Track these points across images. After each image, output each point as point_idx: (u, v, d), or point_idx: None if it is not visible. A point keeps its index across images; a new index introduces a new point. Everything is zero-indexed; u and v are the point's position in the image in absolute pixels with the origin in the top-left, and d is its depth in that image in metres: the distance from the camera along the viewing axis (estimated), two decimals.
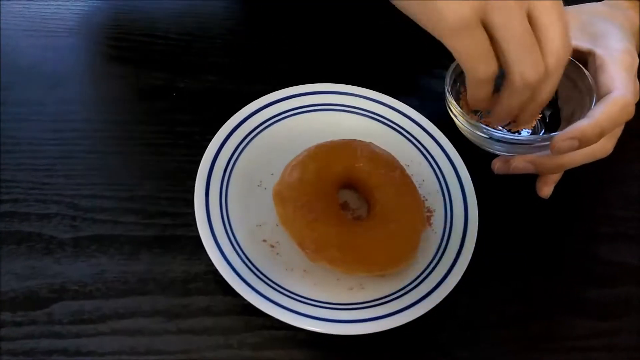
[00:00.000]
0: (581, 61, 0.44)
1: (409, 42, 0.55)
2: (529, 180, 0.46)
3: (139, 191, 0.43)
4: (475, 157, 0.46)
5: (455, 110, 0.44)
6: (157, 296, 0.38)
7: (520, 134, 0.47)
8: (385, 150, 0.43)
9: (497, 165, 0.44)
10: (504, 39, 0.34)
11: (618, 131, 0.43)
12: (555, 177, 0.45)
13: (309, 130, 0.45)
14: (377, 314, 0.37)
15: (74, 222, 0.41)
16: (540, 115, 0.48)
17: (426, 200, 0.44)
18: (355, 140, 0.43)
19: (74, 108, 0.47)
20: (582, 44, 0.44)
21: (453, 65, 0.46)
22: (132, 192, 0.43)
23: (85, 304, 0.37)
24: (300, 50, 0.54)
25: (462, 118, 0.44)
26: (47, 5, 0.54)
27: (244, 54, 0.53)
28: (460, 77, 0.48)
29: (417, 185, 0.43)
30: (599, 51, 0.43)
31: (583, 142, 0.39)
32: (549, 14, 0.35)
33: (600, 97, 0.41)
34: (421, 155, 0.46)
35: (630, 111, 0.40)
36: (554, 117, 0.47)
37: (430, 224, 0.43)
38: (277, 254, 0.40)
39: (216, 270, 0.37)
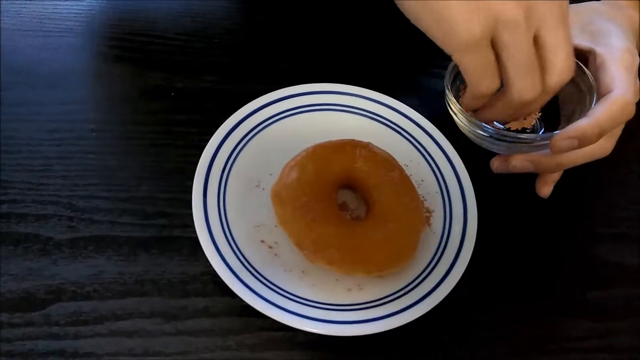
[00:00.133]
0: (581, 60, 0.44)
1: (408, 42, 0.55)
2: (529, 180, 0.46)
3: (137, 192, 0.43)
4: (474, 157, 0.45)
5: (454, 108, 0.44)
6: (155, 297, 0.38)
7: (519, 132, 0.47)
8: (384, 150, 0.43)
9: (495, 164, 0.44)
10: (508, 58, 0.35)
11: (618, 131, 0.43)
12: (555, 177, 0.45)
13: (308, 130, 0.45)
14: (376, 314, 0.37)
15: (71, 223, 0.41)
16: (540, 114, 0.48)
17: (425, 200, 0.44)
18: (354, 140, 0.43)
19: (72, 108, 0.47)
20: (583, 42, 0.44)
21: (453, 63, 0.46)
22: (129, 193, 0.43)
23: (83, 305, 0.37)
24: (299, 50, 0.54)
25: (461, 116, 0.44)
26: (45, 5, 0.54)
27: (242, 54, 0.53)
28: (460, 74, 0.48)
29: (416, 186, 0.42)
30: (599, 50, 0.42)
31: (582, 141, 0.38)
32: (555, 36, 0.35)
33: (600, 96, 0.41)
34: (420, 155, 0.46)
35: (630, 111, 0.40)
36: (554, 115, 0.47)
37: (429, 224, 0.43)
38: (276, 254, 0.40)
39: (214, 271, 0.37)
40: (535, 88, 0.37)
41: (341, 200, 0.43)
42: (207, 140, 0.43)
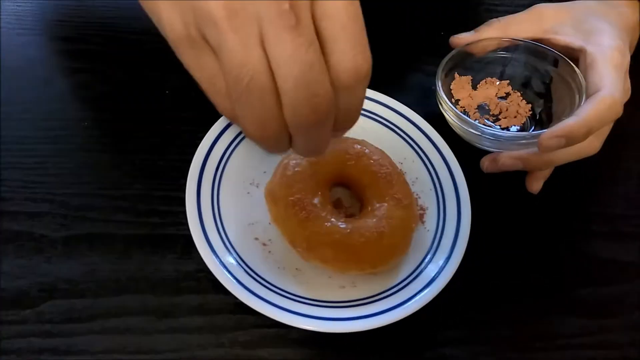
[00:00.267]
0: (573, 58, 0.45)
1: (402, 40, 0.55)
2: (522, 178, 0.46)
3: (131, 189, 0.43)
4: (468, 155, 0.46)
5: (445, 106, 0.44)
6: (148, 295, 0.38)
7: (509, 130, 0.47)
8: (378, 148, 0.43)
9: (486, 164, 0.44)
10: (223, 60, 0.25)
11: (606, 129, 0.43)
12: (545, 173, 0.45)
13: None
14: (369, 312, 0.37)
15: (65, 221, 0.40)
16: (531, 112, 0.48)
17: (419, 198, 0.44)
18: (347, 138, 0.43)
19: (65, 106, 0.47)
20: (574, 41, 0.44)
21: (444, 61, 0.46)
22: (123, 191, 0.43)
23: (76, 303, 0.37)
24: None
25: (452, 114, 0.44)
26: (38, 3, 0.54)
27: None
28: (451, 72, 0.48)
29: (410, 183, 0.42)
30: (590, 48, 0.43)
31: (570, 140, 0.39)
32: (334, 22, 0.25)
33: (589, 95, 0.41)
34: (414, 153, 0.46)
35: (618, 110, 0.40)
36: (546, 114, 0.47)
37: (422, 222, 0.43)
38: (269, 252, 0.40)
39: (208, 269, 0.37)
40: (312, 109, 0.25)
41: (336, 198, 0.43)
42: (201, 138, 0.43)
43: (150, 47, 0.51)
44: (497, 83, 0.50)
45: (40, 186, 0.42)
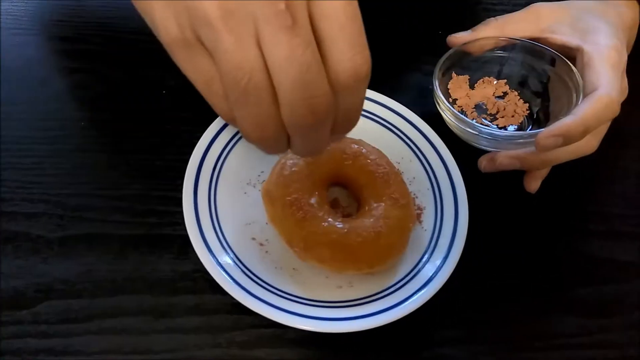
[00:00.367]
0: (570, 57, 0.44)
1: (400, 39, 0.55)
2: (520, 177, 0.46)
3: (128, 190, 0.43)
4: (466, 154, 0.45)
5: (443, 105, 0.44)
6: (145, 295, 0.38)
7: (507, 129, 0.47)
8: (375, 148, 0.43)
9: (483, 164, 0.44)
10: (220, 62, 0.25)
11: (603, 128, 0.43)
12: (543, 173, 0.45)
13: None
14: (366, 311, 0.37)
15: (62, 221, 0.40)
16: (528, 112, 0.48)
17: (416, 197, 0.44)
18: (345, 137, 0.42)
19: (62, 106, 0.47)
20: (571, 40, 0.44)
21: (442, 60, 0.46)
22: (120, 191, 0.42)
23: (73, 303, 0.37)
24: None
25: (449, 113, 0.44)
26: (35, 3, 0.54)
27: None
28: (448, 71, 0.48)
29: (407, 183, 0.42)
30: (587, 47, 0.43)
31: (567, 139, 0.39)
32: (332, 22, 0.24)
33: (586, 94, 0.41)
34: (412, 153, 0.46)
35: (615, 109, 0.40)
36: (543, 113, 0.47)
37: (420, 222, 0.43)
38: (266, 252, 0.40)
39: (204, 269, 0.37)
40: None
41: (333, 197, 0.43)
42: (199, 138, 0.43)
43: (148, 47, 0.51)
44: (495, 82, 0.50)
45: (37, 186, 0.42)
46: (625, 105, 0.43)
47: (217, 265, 0.37)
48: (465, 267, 0.40)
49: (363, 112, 0.47)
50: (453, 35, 0.48)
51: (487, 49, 0.49)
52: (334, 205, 0.42)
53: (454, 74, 0.49)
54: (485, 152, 0.45)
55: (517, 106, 0.48)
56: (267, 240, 0.40)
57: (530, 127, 0.47)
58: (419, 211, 0.43)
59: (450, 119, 0.45)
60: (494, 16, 0.49)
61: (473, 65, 0.49)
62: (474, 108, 0.49)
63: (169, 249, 0.40)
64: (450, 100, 0.48)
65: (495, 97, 0.49)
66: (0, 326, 0.36)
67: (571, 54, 0.45)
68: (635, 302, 0.43)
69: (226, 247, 0.39)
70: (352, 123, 0.29)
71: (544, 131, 0.39)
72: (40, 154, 0.44)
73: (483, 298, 0.41)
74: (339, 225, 0.38)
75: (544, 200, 0.46)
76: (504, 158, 0.43)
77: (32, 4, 0.54)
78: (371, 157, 0.42)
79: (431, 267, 0.40)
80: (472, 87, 0.50)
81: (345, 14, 0.24)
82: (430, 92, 0.46)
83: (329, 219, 0.38)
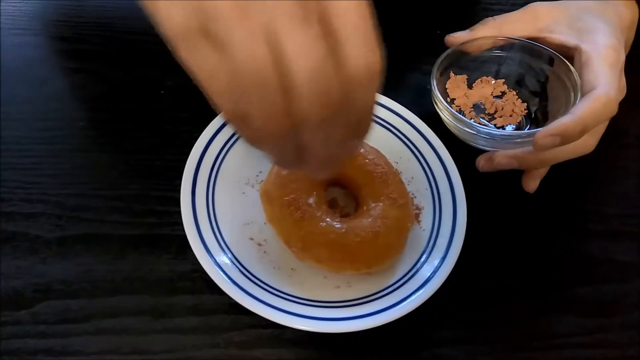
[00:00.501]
0: (568, 57, 0.44)
1: (398, 39, 0.55)
2: (518, 177, 0.46)
3: (126, 190, 0.43)
4: (464, 154, 0.45)
5: (440, 105, 0.44)
6: (143, 295, 0.38)
7: (505, 129, 0.47)
8: (373, 148, 0.43)
9: (481, 163, 0.44)
10: (228, 52, 0.24)
11: (601, 128, 0.43)
12: (541, 172, 0.45)
13: None
14: (364, 312, 0.37)
15: (60, 222, 0.41)
16: (526, 111, 0.48)
17: (415, 197, 0.44)
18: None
19: (61, 106, 0.47)
20: (569, 39, 0.44)
21: (439, 60, 0.46)
22: (118, 191, 0.43)
23: (71, 304, 0.37)
24: None
25: (447, 113, 0.44)
26: (34, 3, 0.54)
27: None
28: (446, 71, 0.48)
29: (406, 183, 0.42)
30: (584, 47, 0.43)
31: (565, 138, 0.39)
32: (346, 21, 0.25)
33: (584, 94, 0.41)
34: (410, 153, 0.46)
35: (613, 108, 0.40)
36: (541, 112, 0.47)
37: (418, 221, 0.43)
38: (265, 252, 0.40)
39: (203, 269, 0.37)
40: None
41: (331, 197, 0.43)
42: (197, 138, 0.43)
43: (147, 48, 0.51)
44: (493, 82, 0.50)
45: (36, 187, 0.42)
46: (624, 104, 0.43)
47: (215, 265, 0.37)
48: (463, 267, 0.40)
49: None
50: (451, 34, 0.48)
51: (485, 49, 0.49)
52: (332, 205, 0.42)
53: (452, 74, 0.49)
54: (483, 151, 0.45)
55: (515, 106, 0.48)
56: (265, 240, 0.40)
57: (528, 126, 0.47)
58: (417, 211, 0.43)
59: (448, 118, 0.45)
60: (492, 16, 0.49)
61: (471, 65, 0.49)
62: (472, 108, 0.49)
63: (167, 249, 0.40)
64: (449, 100, 0.48)
65: (494, 96, 0.49)
66: (0, 326, 0.36)
67: (569, 54, 0.44)
68: (634, 301, 0.43)
69: (224, 247, 0.39)
70: (366, 126, 0.28)
71: (541, 130, 0.39)
72: (39, 154, 0.44)
73: (481, 298, 0.41)
74: (337, 225, 0.38)
75: (543, 200, 0.46)
76: (502, 157, 0.43)
77: (32, 4, 0.54)
78: (369, 156, 0.42)
79: (429, 267, 0.40)
80: (470, 86, 0.50)
81: (358, 13, 0.24)
82: (429, 92, 0.46)
83: (327, 219, 0.38)
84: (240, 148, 0.44)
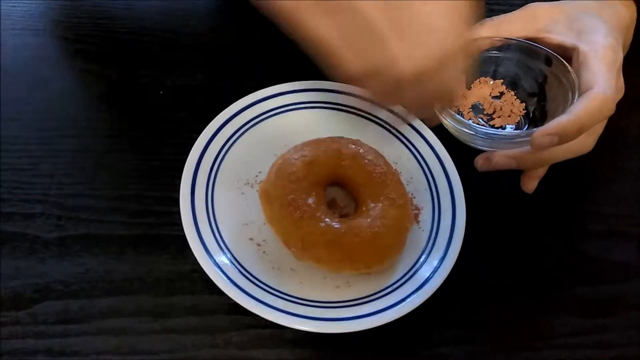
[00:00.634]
0: (566, 57, 0.45)
1: None
2: (517, 177, 0.46)
3: (125, 190, 0.43)
4: (463, 154, 0.46)
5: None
6: (143, 295, 0.38)
7: (504, 129, 0.47)
8: (372, 148, 0.43)
9: (480, 163, 0.44)
10: None
11: (599, 127, 0.43)
12: (540, 172, 0.45)
13: (297, 128, 0.45)
14: (364, 312, 0.37)
15: (59, 222, 0.41)
16: (524, 111, 0.48)
17: (414, 197, 0.44)
18: (342, 137, 0.43)
19: (59, 107, 0.47)
20: (567, 39, 0.44)
21: None
22: (117, 191, 0.43)
23: (70, 304, 0.37)
24: (288, 47, 0.54)
25: (446, 114, 0.44)
26: (33, 3, 0.54)
27: (231, 52, 0.53)
28: None
29: (405, 183, 0.42)
30: (582, 47, 0.43)
31: (562, 138, 0.39)
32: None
33: (582, 93, 0.41)
34: (409, 153, 0.46)
35: (610, 108, 0.40)
36: (540, 112, 0.47)
37: (417, 221, 0.43)
38: (264, 252, 0.40)
39: (202, 270, 0.37)
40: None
41: (330, 197, 0.43)
42: (196, 139, 0.43)
43: (146, 48, 0.52)
44: (491, 82, 0.50)
45: (34, 187, 0.42)
46: (623, 104, 0.43)
47: (214, 265, 0.37)
48: (462, 266, 0.40)
49: (360, 112, 0.47)
50: None
51: (483, 49, 0.49)
52: (332, 205, 0.42)
53: None
54: (482, 151, 0.45)
55: (513, 106, 0.48)
56: (264, 240, 0.40)
57: (526, 126, 0.47)
58: (416, 211, 0.43)
59: (446, 119, 0.45)
60: (490, 16, 0.49)
61: (469, 66, 0.49)
62: (470, 108, 0.49)
63: (166, 249, 0.40)
64: None
65: (492, 97, 0.49)
66: None
67: (567, 54, 0.45)
68: (633, 302, 0.43)
69: (224, 247, 0.39)
70: (449, 95, 0.40)
71: (539, 130, 0.39)
72: (38, 155, 0.44)
73: (481, 298, 0.41)
74: (336, 226, 0.38)
75: (541, 200, 0.46)
76: (500, 157, 0.43)
77: (32, 4, 0.54)
78: (369, 157, 0.42)
79: (429, 267, 0.40)
80: (468, 87, 0.50)
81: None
82: None
83: (327, 219, 0.38)
84: (240, 148, 0.44)
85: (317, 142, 0.42)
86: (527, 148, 0.42)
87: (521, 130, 0.47)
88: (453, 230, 0.42)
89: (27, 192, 0.42)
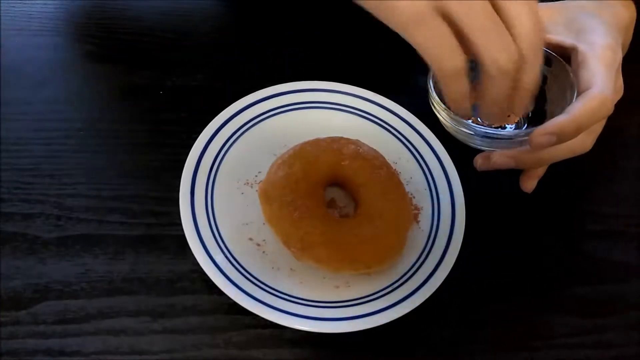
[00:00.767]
0: (565, 57, 0.44)
1: (397, 40, 0.55)
2: (516, 177, 0.46)
3: (125, 190, 0.43)
4: (462, 154, 0.45)
5: (438, 106, 0.44)
6: (142, 296, 0.38)
7: (503, 129, 0.47)
8: (372, 148, 0.43)
9: (479, 162, 0.44)
10: (467, 27, 0.33)
11: (598, 127, 0.43)
12: (539, 172, 0.45)
13: (296, 128, 0.45)
14: (363, 312, 0.37)
15: (59, 222, 0.40)
16: None
17: (414, 197, 0.44)
18: (341, 137, 0.43)
19: (59, 107, 0.47)
20: (566, 39, 0.44)
21: None
22: (117, 192, 0.42)
23: (70, 304, 0.37)
24: (288, 47, 0.54)
25: (445, 114, 0.44)
26: (33, 4, 0.54)
27: (231, 52, 0.53)
28: None
29: (404, 183, 0.42)
30: (581, 47, 0.43)
31: (561, 137, 0.39)
32: (514, 1, 0.33)
33: (580, 93, 0.41)
34: (409, 153, 0.46)
35: (609, 107, 0.40)
36: (539, 112, 0.47)
37: (417, 222, 0.43)
38: (264, 252, 0.40)
39: (202, 270, 0.37)
40: (509, 51, 0.33)
41: (330, 197, 0.43)
42: (196, 139, 0.43)
43: (145, 48, 0.52)
44: None
45: (34, 187, 0.42)
46: (623, 104, 0.43)
47: (214, 265, 0.37)
48: (462, 266, 0.40)
49: (360, 112, 0.48)
50: None
51: None
52: (331, 205, 0.42)
53: None
54: (481, 151, 0.45)
55: None
56: (264, 240, 0.40)
57: (525, 126, 0.47)
58: (416, 211, 0.43)
59: (445, 119, 0.44)
60: None
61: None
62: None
63: (166, 249, 0.40)
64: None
65: None
66: None
67: (566, 54, 0.44)
68: (632, 301, 0.43)
69: (223, 247, 0.39)
70: (526, 98, 0.37)
71: (537, 129, 0.39)
72: (38, 155, 0.44)
73: (480, 298, 0.41)
74: (335, 225, 0.38)
75: (540, 200, 0.46)
76: (499, 157, 0.43)
77: (32, 4, 0.54)
78: (368, 157, 0.42)
79: (428, 267, 0.40)
80: None
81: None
82: (427, 92, 0.46)
83: (326, 219, 0.38)
84: (240, 148, 0.44)
85: (317, 142, 0.42)
86: (526, 147, 0.42)
87: (520, 130, 0.47)
88: (452, 230, 0.42)
89: (27, 192, 0.42)
